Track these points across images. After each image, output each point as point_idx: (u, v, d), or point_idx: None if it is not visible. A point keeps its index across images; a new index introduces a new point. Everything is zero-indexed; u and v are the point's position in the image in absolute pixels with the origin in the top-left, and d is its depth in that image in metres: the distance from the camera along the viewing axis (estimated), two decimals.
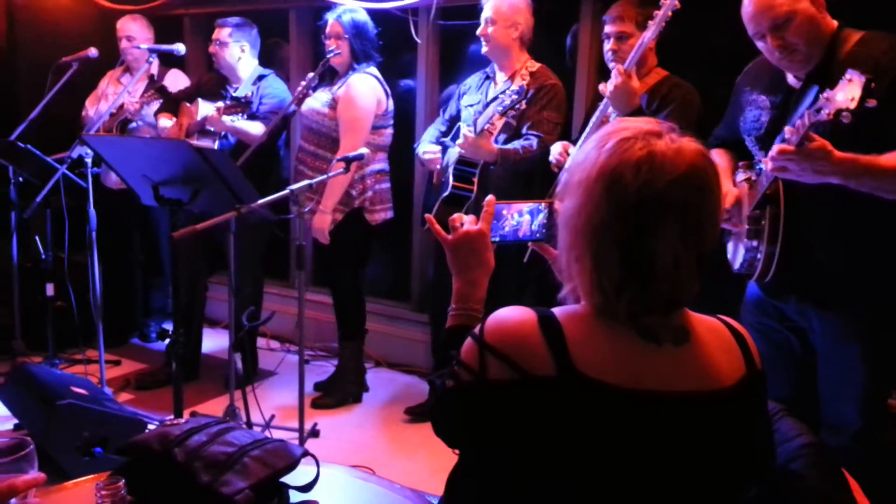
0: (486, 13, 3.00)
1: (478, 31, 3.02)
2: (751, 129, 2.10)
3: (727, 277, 2.18)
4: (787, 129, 1.76)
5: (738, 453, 1.09)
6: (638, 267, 1.02)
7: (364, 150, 2.97)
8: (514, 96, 2.76)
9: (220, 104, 3.35)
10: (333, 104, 3.27)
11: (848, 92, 1.56)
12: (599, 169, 1.03)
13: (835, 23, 1.94)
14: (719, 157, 2.24)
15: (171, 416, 2.67)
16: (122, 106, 3.72)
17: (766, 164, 1.81)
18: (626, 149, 1.02)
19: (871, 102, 1.55)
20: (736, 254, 2.12)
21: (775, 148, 1.73)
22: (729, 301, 2.27)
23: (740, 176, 2.12)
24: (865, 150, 1.73)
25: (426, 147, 3.24)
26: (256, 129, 3.34)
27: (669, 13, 2.36)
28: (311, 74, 3.23)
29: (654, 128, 1.05)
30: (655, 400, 1.03)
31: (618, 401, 1.02)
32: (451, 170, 3.03)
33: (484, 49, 3.05)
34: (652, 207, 1.00)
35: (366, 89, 3.26)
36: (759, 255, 2.02)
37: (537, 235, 1.40)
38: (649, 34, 2.42)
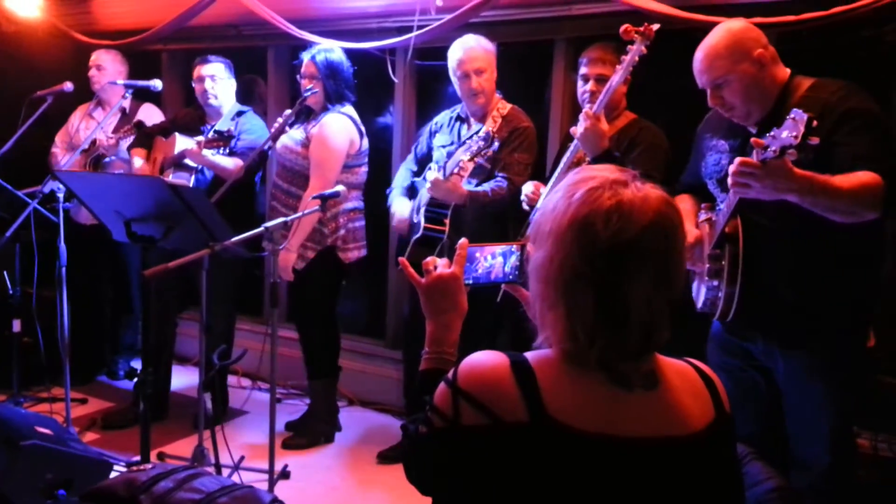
0: (472, 65, 3.00)
1: (472, 87, 3.02)
2: (712, 173, 2.17)
3: (693, 314, 2.21)
4: (735, 161, 1.80)
5: (708, 498, 1.09)
6: (612, 314, 1.03)
7: (341, 188, 2.98)
8: (481, 142, 2.77)
9: (201, 138, 3.34)
10: (307, 142, 3.28)
11: (792, 130, 1.63)
12: (570, 218, 1.05)
13: (787, 72, 2.03)
14: (683, 201, 2.30)
15: (138, 458, 2.61)
16: (94, 142, 3.69)
17: (729, 180, 1.83)
18: (596, 198, 1.04)
19: (814, 140, 1.62)
20: (699, 293, 2.16)
21: (737, 162, 1.76)
22: (695, 338, 2.30)
23: (702, 216, 2.17)
24: None
25: (397, 207, 3.24)
26: (234, 164, 3.34)
27: (636, 59, 2.42)
28: (287, 112, 3.25)
29: (619, 176, 1.07)
30: (626, 446, 1.04)
31: (589, 447, 1.02)
32: (422, 211, 3.04)
33: (479, 101, 3.06)
34: (624, 255, 1.02)
35: (338, 129, 3.26)
36: (719, 294, 2.06)
37: (510, 277, 1.41)
38: (617, 78, 2.48)
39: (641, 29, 2.37)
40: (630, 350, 1.06)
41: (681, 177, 2.40)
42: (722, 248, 2.04)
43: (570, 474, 1.02)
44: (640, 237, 1.02)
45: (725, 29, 2.03)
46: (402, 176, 3.37)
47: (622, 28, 2.39)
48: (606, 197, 1.04)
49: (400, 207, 3.23)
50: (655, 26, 2.37)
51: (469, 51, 3.01)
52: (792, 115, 1.65)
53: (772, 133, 1.68)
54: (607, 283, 1.03)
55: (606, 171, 1.09)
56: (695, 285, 2.22)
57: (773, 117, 1.97)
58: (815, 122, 1.61)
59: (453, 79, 3.08)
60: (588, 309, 1.04)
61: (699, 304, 2.16)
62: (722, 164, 2.13)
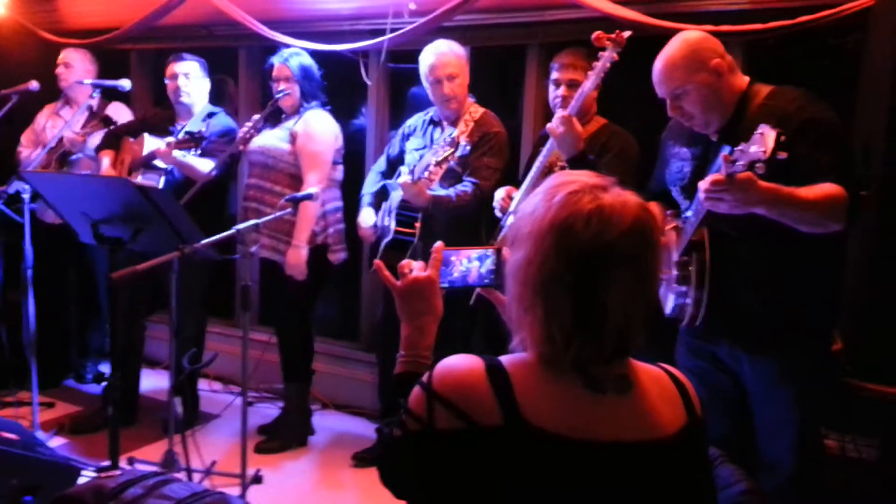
0: (444, 71, 3.00)
1: (445, 93, 3.02)
2: (675, 180, 2.21)
3: (663, 319, 2.24)
4: (705, 178, 1.84)
5: (681, 501, 1.11)
6: (589, 317, 1.05)
7: (313, 190, 2.97)
8: (448, 147, 2.76)
9: (171, 139, 3.30)
10: (292, 139, 3.27)
11: (760, 145, 1.66)
12: (550, 221, 1.05)
13: (746, 80, 2.07)
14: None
15: (108, 463, 2.57)
16: (61, 140, 3.63)
17: (700, 196, 1.87)
18: (576, 202, 1.05)
19: (782, 155, 1.66)
20: (666, 299, 2.19)
21: (707, 180, 1.80)
22: (664, 341, 2.33)
23: (668, 224, 2.20)
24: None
25: (363, 217, 3.24)
26: (206, 165, 3.31)
27: (608, 65, 2.45)
28: (256, 116, 3.24)
29: (599, 181, 1.09)
30: (600, 449, 1.05)
31: (563, 450, 1.03)
32: (393, 214, 3.04)
33: (452, 106, 3.07)
34: (602, 258, 1.03)
35: (325, 124, 3.30)
36: (688, 301, 2.09)
37: (486, 281, 1.41)
38: (589, 84, 2.50)
39: (613, 36, 2.40)
40: (605, 353, 1.07)
41: (647, 185, 2.43)
42: (689, 256, 2.08)
43: (544, 478, 1.02)
44: (619, 241, 1.03)
45: (682, 39, 2.06)
46: (371, 181, 3.37)
47: (594, 35, 2.42)
48: (587, 200, 1.05)
49: (366, 217, 3.23)
50: (627, 33, 2.41)
51: (441, 56, 3.02)
52: (760, 130, 1.68)
53: (740, 147, 1.71)
54: (585, 285, 1.04)
55: (586, 176, 1.10)
56: (661, 291, 2.25)
57: (733, 125, 2.01)
58: (783, 138, 1.65)
59: (425, 84, 3.08)
60: (565, 311, 1.05)
61: (667, 311, 2.19)
62: (685, 172, 2.17)
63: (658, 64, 2.06)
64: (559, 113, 2.53)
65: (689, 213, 2.10)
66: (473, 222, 3.06)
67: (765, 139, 1.66)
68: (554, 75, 2.78)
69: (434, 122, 3.21)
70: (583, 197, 1.05)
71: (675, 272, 2.11)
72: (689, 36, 2.07)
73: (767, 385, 2.06)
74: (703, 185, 1.81)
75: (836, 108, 1.98)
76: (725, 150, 1.94)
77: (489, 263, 1.41)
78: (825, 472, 2.25)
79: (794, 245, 1.92)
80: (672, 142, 2.26)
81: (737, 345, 2.09)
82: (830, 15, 2.49)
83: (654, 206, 2.33)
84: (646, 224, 1.07)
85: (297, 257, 3.21)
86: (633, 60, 2.42)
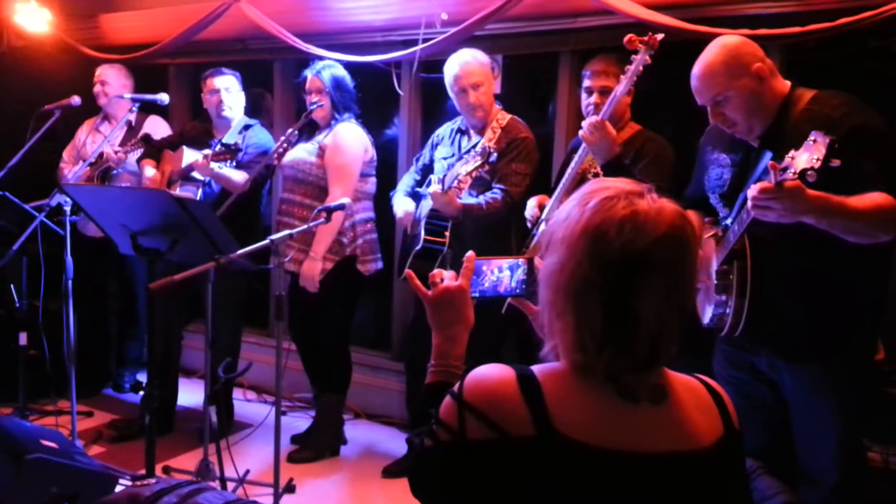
0: (468, 80, 3.00)
1: (471, 102, 3.03)
2: (715, 187, 2.16)
3: (700, 330, 2.20)
4: (753, 186, 1.80)
5: None
6: (621, 325, 1.03)
7: (345, 200, 2.98)
8: (478, 157, 2.74)
9: (208, 151, 3.35)
10: (321, 153, 3.29)
11: (813, 152, 1.61)
12: (583, 227, 1.04)
13: (787, 84, 2.01)
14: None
15: (143, 472, 2.60)
16: (101, 155, 3.71)
17: (748, 204, 1.82)
18: (610, 207, 1.04)
19: (836, 162, 1.60)
20: (705, 309, 2.14)
21: (755, 188, 1.75)
22: (702, 354, 2.28)
23: (707, 232, 2.15)
24: None
25: (400, 202, 3.25)
26: (241, 177, 3.35)
27: (641, 68, 2.42)
28: (290, 130, 3.27)
29: (635, 188, 1.07)
30: (634, 461, 1.03)
31: (596, 462, 1.02)
32: (422, 223, 3.04)
33: (479, 115, 3.07)
34: (635, 265, 1.02)
35: (353, 137, 3.30)
36: (727, 310, 2.04)
37: (517, 291, 1.40)
38: (621, 88, 2.48)
39: (646, 39, 2.37)
40: (638, 362, 1.05)
41: (685, 192, 2.39)
42: (730, 264, 2.02)
43: (577, 489, 1.01)
44: (653, 248, 1.01)
45: (721, 45, 2.01)
46: (405, 183, 3.39)
47: (626, 38, 2.39)
48: (621, 206, 1.03)
49: (403, 203, 3.23)
50: (660, 36, 2.37)
51: (465, 66, 3.02)
52: (812, 137, 1.63)
53: (791, 154, 1.66)
54: (618, 292, 1.02)
55: (621, 183, 1.08)
56: (699, 300, 2.20)
57: (775, 131, 1.96)
58: (836, 145, 1.60)
59: (451, 93, 3.09)
60: (597, 318, 1.03)
61: (706, 320, 2.14)
62: (724, 179, 2.12)
63: (697, 70, 2.01)
64: (590, 119, 2.51)
65: (728, 221, 2.05)
66: (503, 230, 3.05)
67: (818, 146, 1.61)
68: (586, 83, 2.76)
69: (462, 131, 3.21)
70: (617, 203, 1.04)
71: (714, 281, 2.07)
72: (727, 41, 2.03)
73: (808, 395, 2.01)
74: (751, 192, 1.76)
75: (878, 111, 1.93)
76: (768, 157, 1.90)
77: (520, 273, 1.40)
78: (868, 485, 2.18)
79: (837, 253, 1.86)
80: (711, 147, 2.21)
81: (777, 354, 2.04)
82: (871, 16, 2.43)
83: (692, 214, 2.29)
84: (682, 231, 1.05)
85: (311, 269, 3.22)
86: (667, 66, 2.39)
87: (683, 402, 1.10)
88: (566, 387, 1.06)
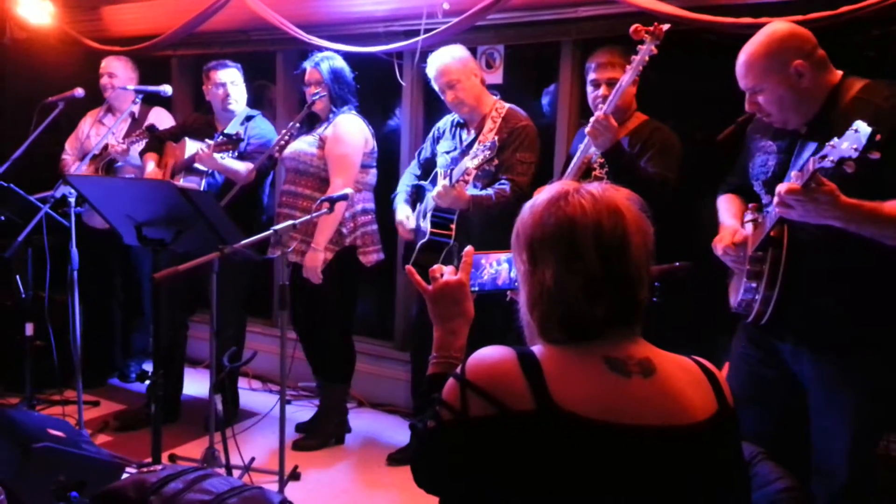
0: (443, 80, 3.03)
1: (450, 100, 3.05)
2: (758, 174, 2.13)
3: (717, 323, 2.19)
4: (793, 173, 1.79)
5: (711, 488, 1.11)
6: (539, 294, 1.17)
7: (348, 191, 2.99)
8: (487, 152, 2.75)
9: (210, 142, 3.36)
10: (321, 144, 3.30)
11: (853, 142, 1.59)
12: (521, 222, 1.23)
13: (838, 74, 1.98)
14: (729, 201, 2.28)
15: (150, 460, 2.63)
16: (106, 146, 3.72)
17: (774, 199, 1.81)
18: (532, 205, 1.22)
19: (875, 154, 1.57)
20: (737, 292, 2.12)
21: (782, 186, 1.75)
22: (717, 345, 2.28)
23: (748, 217, 2.13)
24: (867, 194, 1.76)
25: (400, 213, 3.26)
26: (244, 167, 3.36)
27: (646, 58, 2.42)
28: (292, 122, 3.28)
29: (574, 185, 1.20)
30: (629, 433, 1.07)
31: (593, 434, 1.05)
32: (428, 216, 3.05)
33: (464, 111, 3.09)
34: (544, 242, 1.17)
35: (354, 127, 3.30)
36: (756, 297, 2.02)
37: (515, 284, 1.42)
38: (627, 78, 2.48)
39: (651, 28, 2.37)
40: (556, 325, 1.15)
41: (727, 177, 2.36)
42: (765, 251, 2.00)
43: (575, 461, 1.05)
44: (541, 228, 1.17)
45: (767, 35, 1.96)
46: (405, 181, 3.40)
47: (632, 28, 2.39)
48: (527, 204, 1.23)
49: (403, 214, 3.25)
50: (666, 26, 2.37)
51: (440, 67, 3.04)
52: (854, 127, 1.60)
53: (831, 142, 1.64)
54: (530, 270, 1.18)
55: (559, 184, 1.23)
56: (732, 283, 2.19)
57: (822, 119, 1.93)
58: (878, 137, 1.57)
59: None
60: (528, 292, 1.19)
61: (734, 304, 2.12)
62: (769, 165, 2.08)
63: (741, 57, 1.98)
64: (595, 115, 2.51)
65: (770, 209, 2.01)
66: (509, 222, 3.04)
67: (858, 136, 1.58)
68: (591, 76, 2.75)
69: (461, 125, 3.22)
70: (549, 196, 1.20)
71: (747, 266, 2.04)
72: (775, 31, 1.96)
73: (829, 388, 1.98)
74: (780, 188, 1.75)
75: None
76: (811, 148, 1.88)
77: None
78: (882, 477, 2.17)
79: (874, 248, 1.82)
80: (759, 135, 2.17)
81: (803, 344, 2.01)
82: (873, 4, 2.42)
83: (733, 199, 2.28)
84: (567, 208, 1.15)
85: (313, 260, 3.23)
86: (670, 55, 2.39)
87: (674, 377, 1.14)
88: (564, 363, 1.11)
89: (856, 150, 1.58)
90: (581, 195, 1.17)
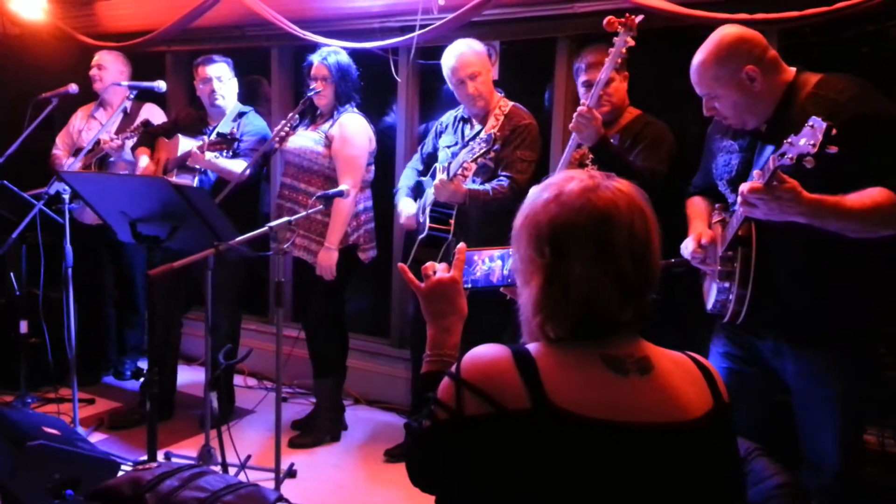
0: (465, 71, 3.01)
1: (469, 92, 3.03)
2: (722, 174, 2.15)
3: (702, 319, 2.20)
4: (755, 172, 1.80)
5: (708, 484, 1.11)
6: (555, 290, 1.12)
7: (344, 187, 2.99)
8: (483, 145, 2.76)
9: (204, 140, 3.35)
10: (327, 142, 3.29)
11: (810, 138, 1.60)
12: (523, 216, 1.18)
13: (791, 72, 1.99)
14: (695, 204, 2.30)
15: (145, 457, 2.62)
16: (98, 142, 3.70)
17: (738, 198, 1.83)
18: (539, 195, 1.17)
19: (832, 149, 1.58)
20: (710, 294, 2.15)
21: (745, 186, 1.76)
22: (704, 342, 2.29)
23: (715, 217, 2.15)
24: (829, 188, 1.77)
25: (403, 206, 3.26)
26: (238, 166, 3.34)
27: (623, 50, 2.41)
28: (290, 114, 3.27)
29: (569, 176, 1.17)
30: (625, 431, 1.06)
31: (589, 432, 1.05)
32: (427, 211, 3.05)
33: (479, 104, 3.08)
34: (562, 237, 1.11)
35: (360, 128, 3.30)
36: (730, 297, 2.04)
37: (509, 280, 1.42)
38: (605, 72, 2.47)
39: (623, 20, 2.37)
40: (573, 325, 1.11)
41: (693, 179, 2.38)
42: (734, 251, 2.02)
43: (571, 459, 1.04)
44: (576, 219, 1.11)
45: (717, 41, 1.97)
46: (407, 176, 3.40)
47: (605, 20, 2.39)
48: (549, 191, 1.16)
49: (406, 206, 3.25)
50: (639, 18, 2.37)
51: (461, 57, 3.02)
52: (810, 123, 1.61)
53: (789, 139, 1.65)
54: (551, 263, 1.12)
55: (561, 175, 1.18)
56: (705, 285, 2.20)
57: (780, 118, 1.94)
58: (833, 131, 1.58)
59: (450, 85, 3.09)
60: (536, 289, 1.14)
61: (709, 306, 2.14)
62: (732, 165, 2.10)
63: (693, 63, 2.00)
64: (578, 110, 2.51)
65: (736, 207, 2.05)
66: (507, 218, 3.04)
67: (815, 132, 1.59)
68: (582, 77, 2.75)
69: (464, 120, 3.22)
70: (545, 190, 1.16)
71: (718, 267, 2.06)
72: (724, 36, 1.97)
73: (812, 382, 2.01)
74: (743, 188, 1.76)
75: None
76: (769, 151, 1.89)
77: (511, 262, 1.41)
78: (864, 468, 2.19)
79: (846, 242, 1.83)
80: (719, 136, 2.19)
81: (782, 339, 2.03)
82: (868, 1, 2.43)
83: (700, 200, 2.30)
84: (611, 205, 1.11)
85: (328, 259, 3.24)
86: (672, 50, 2.38)
87: (670, 374, 1.13)
88: (560, 361, 1.10)
89: (813, 145, 1.59)
90: (609, 189, 1.13)
